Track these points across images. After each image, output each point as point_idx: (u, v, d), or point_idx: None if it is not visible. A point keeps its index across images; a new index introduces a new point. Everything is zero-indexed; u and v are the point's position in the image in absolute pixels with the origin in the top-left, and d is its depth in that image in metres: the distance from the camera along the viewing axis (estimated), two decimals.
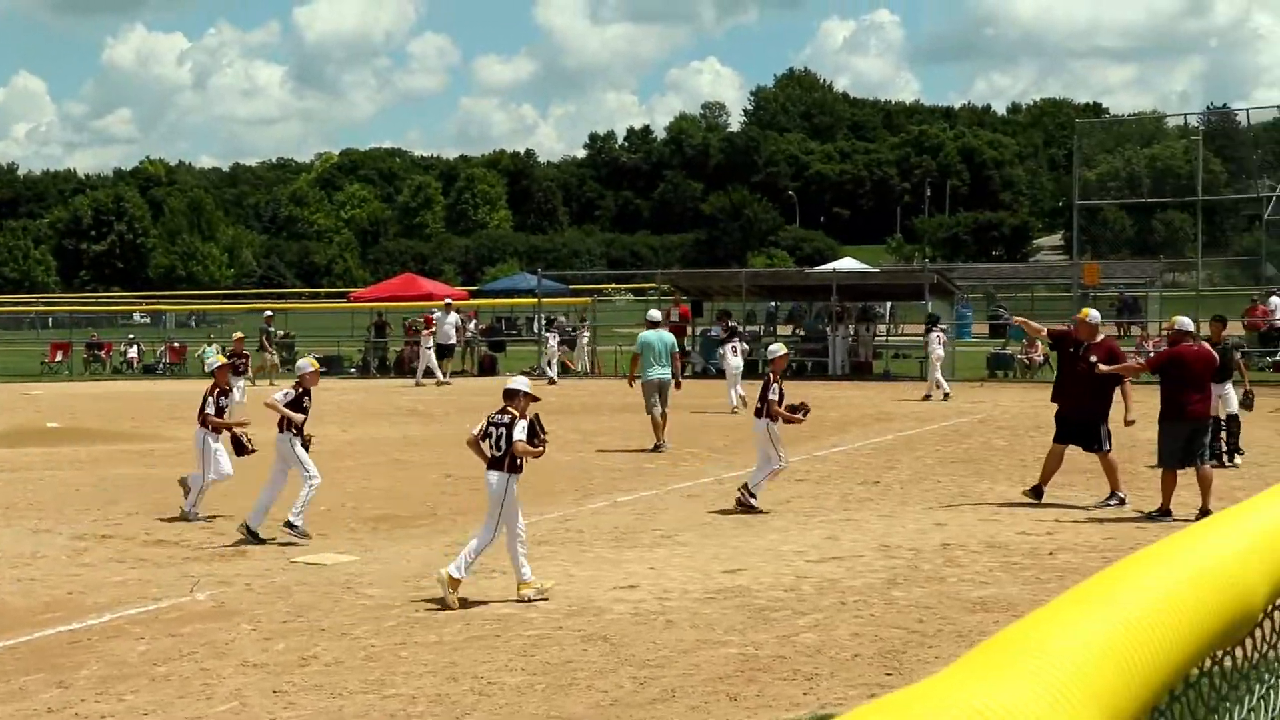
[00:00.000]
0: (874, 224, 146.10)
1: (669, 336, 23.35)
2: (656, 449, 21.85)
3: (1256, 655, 1.73)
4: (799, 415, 16.45)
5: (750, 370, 39.47)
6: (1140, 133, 77.96)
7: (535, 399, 12.01)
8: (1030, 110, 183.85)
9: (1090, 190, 50.86)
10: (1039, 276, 77.30)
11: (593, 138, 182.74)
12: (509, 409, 11.72)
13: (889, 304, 50.19)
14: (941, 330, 33.02)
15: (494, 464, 11.58)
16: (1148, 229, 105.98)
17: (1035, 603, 1.29)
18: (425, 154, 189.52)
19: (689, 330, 41.74)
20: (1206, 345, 16.87)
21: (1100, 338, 16.85)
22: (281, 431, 14.76)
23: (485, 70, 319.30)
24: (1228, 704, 1.66)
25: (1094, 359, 16.26)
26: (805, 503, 16.51)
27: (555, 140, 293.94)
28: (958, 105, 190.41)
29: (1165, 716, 1.38)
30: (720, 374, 38.75)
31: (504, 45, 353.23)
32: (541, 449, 11.76)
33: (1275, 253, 57.56)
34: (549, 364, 39.34)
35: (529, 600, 11.36)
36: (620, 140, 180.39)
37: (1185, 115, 58.84)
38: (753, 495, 15.90)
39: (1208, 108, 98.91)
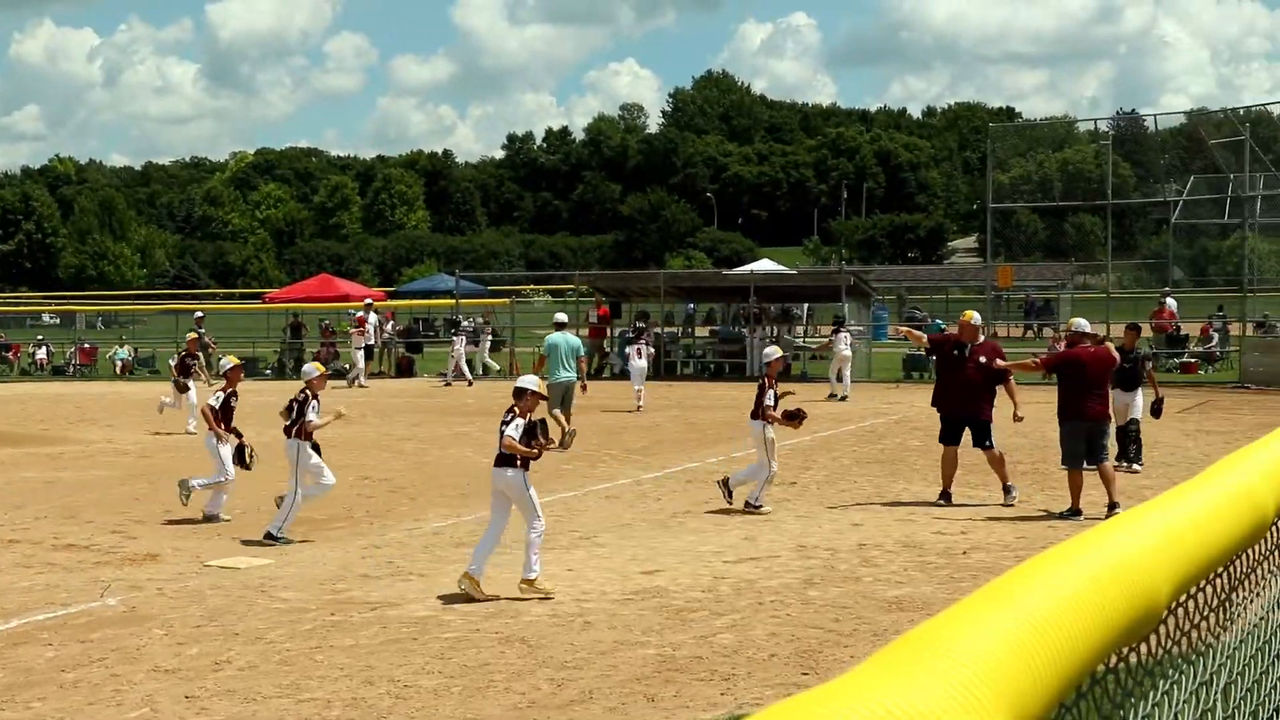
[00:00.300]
0: (791, 226, 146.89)
1: (574, 340, 23.78)
2: (564, 445, 22.02)
3: (1161, 651, 1.77)
4: (795, 421, 16.45)
5: (670, 371, 39.59)
6: (1052, 137, 79.06)
7: (544, 397, 12.34)
8: (945, 114, 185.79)
9: (1003, 193, 51.47)
10: (953, 278, 78.14)
11: (511, 139, 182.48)
12: (514, 407, 11.94)
13: (806, 305, 50.46)
14: (848, 331, 33.34)
15: (502, 460, 11.76)
16: (1059, 232, 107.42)
17: (949, 602, 1.31)
18: (342, 154, 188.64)
19: (609, 331, 41.75)
20: (1107, 346, 17.14)
21: (981, 339, 17.13)
22: (289, 436, 14.81)
23: (403, 70, 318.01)
24: (1132, 700, 1.69)
25: (982, 359, 16.55)
26: (723, 503, 16.57)
27: (473, 141, 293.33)
28: (874, 108, 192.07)
29: (1072, 713, 1.40)
30: None
31: (422, 45, 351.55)
32: (536, 451, 11.87)
33: (1182, 256, 58.55)
34: (455, 366, 39.25)
35: (532, 591, 11.50)
36: (539, 141, 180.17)
37: (1095, 120, 59.75)
38: (757, 505, 15.98)
39: (1117, 113, 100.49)
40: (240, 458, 15.90)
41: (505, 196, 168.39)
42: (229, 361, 17.30)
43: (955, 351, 16.93)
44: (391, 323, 45.61)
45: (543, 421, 12.02)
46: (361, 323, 39.57)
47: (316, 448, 14.82)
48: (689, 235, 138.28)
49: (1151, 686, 1.79)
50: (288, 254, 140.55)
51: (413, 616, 10.90)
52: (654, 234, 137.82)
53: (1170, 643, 1.82)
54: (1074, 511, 15.30)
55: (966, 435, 16.53)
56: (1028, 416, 17.43)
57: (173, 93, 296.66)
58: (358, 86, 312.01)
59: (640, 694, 8.79)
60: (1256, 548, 2.40)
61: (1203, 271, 67.82)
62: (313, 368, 15.52)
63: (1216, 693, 2.20)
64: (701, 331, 47.60)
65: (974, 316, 17.32)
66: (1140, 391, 19.54)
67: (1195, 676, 2.06)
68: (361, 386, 37.13)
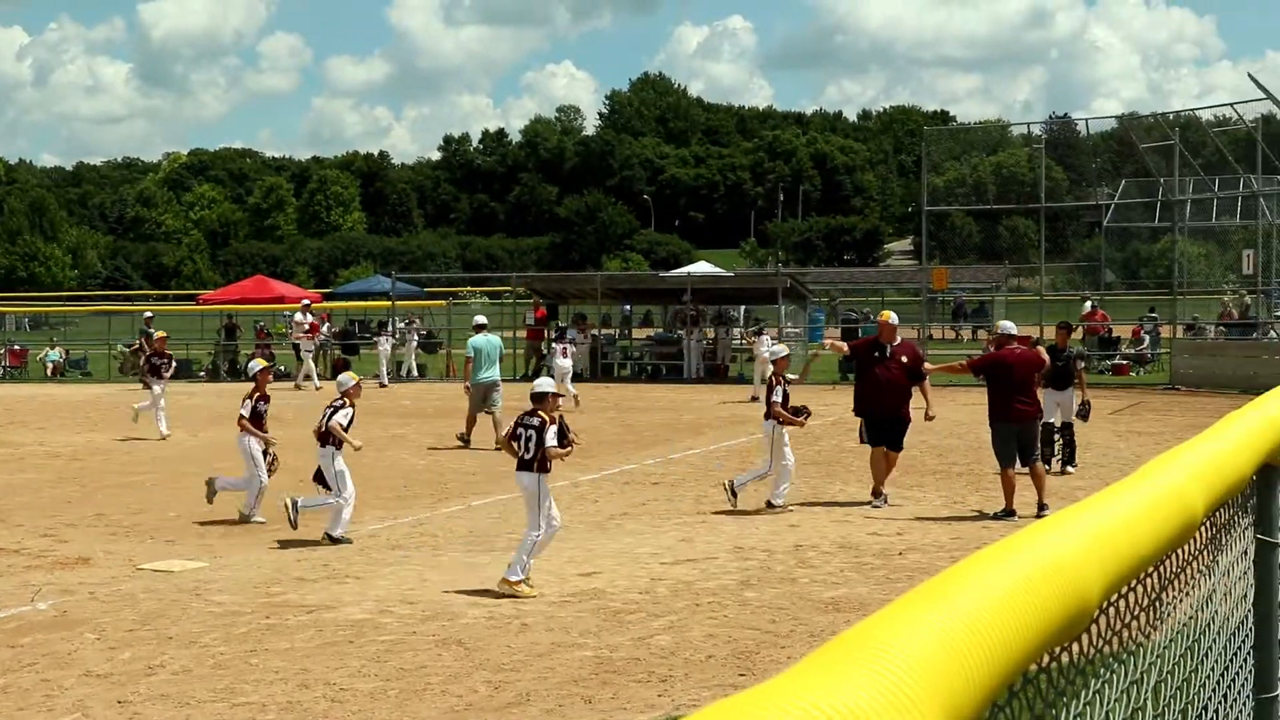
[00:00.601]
0: (728, 228, 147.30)
1: (496, 340, 24.47)
2: (464, 442, 22.86)
3: (1092, 650, 1.79)
4: (800, 419, 16.46)
5: (608, 373, 39.59)
6: (986, 141, 79.75)
7: (561, 396, 12.53)
8: (880, 117, 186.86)
9: (938, 196, 51.90)
10: (889, 281, 78.64)
11: (447, 140, 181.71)
12: (538, 411, 12.02)
13: (743, 307, 50.62)
14: (769, 334, 33.62)
15: (524, 465, 11.88)
16: (993, 235, 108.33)
17: (885, 602, 1.32)
18: (277, 155, 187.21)
19: (546, 333, 41.70)
20: (1038, 350, 17.32)
21: (900, 339, 17.25)
22: (324, 446, 14.66)
23: (338, 71, 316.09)
24: (1064, 699, 1.71)
25: (904, 358, 16.73)
26: (660, 505, 16.60)
27: (409, 142, 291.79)
28: (809, 111, 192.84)
29: (1005, 712, 1.42)
30: (575, 376, 38.76)
31: (357, 46, 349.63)
32: (570, 450, 12.24)
33: (1114, 259, 59.20)
34: (383, 368, 39.20)
35: (509, 595, 11.50)
36: (475, 143, 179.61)
37: (1028, 124, 60.37)
38: (774, 505, 16.07)
39: (1050, 117, 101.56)
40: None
41: (441, 198, 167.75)
42: (257, 364, 17.06)
43: (876, 353, 17.04)
44: (327, 324, 45.33)
45: (561, 418, 12.25)
46: (315, 329, 39.50)
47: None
48: (626, 237, 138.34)
49: (1083, 685, 1.82)
50: (222, 255, 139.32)
51: (349, 619, 10.84)
52: (591, 236, 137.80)
53: (1102, 642, 1.85)
54: (1007, 512, 15.43)
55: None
56: (965, 419, 17.56)
57: (104, 92, 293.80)
58: (292, 87, 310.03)
59: (578, 696, 8.79)
60: (1186, 548, 2.43)
61: (1134, 274, 68.62)
62: (349, 377, 15.43)
63: (1147, 691, 2.23)
64: (640, 333, 47.65)
65: (891, 316, 17.45)
66: (1072, 391, 19.71)
67: (1126, 675, 2.09)
68: (317, 389, 36.91)
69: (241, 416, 16.22)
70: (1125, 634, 2.00)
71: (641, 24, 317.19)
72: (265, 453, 16.12)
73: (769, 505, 16.13)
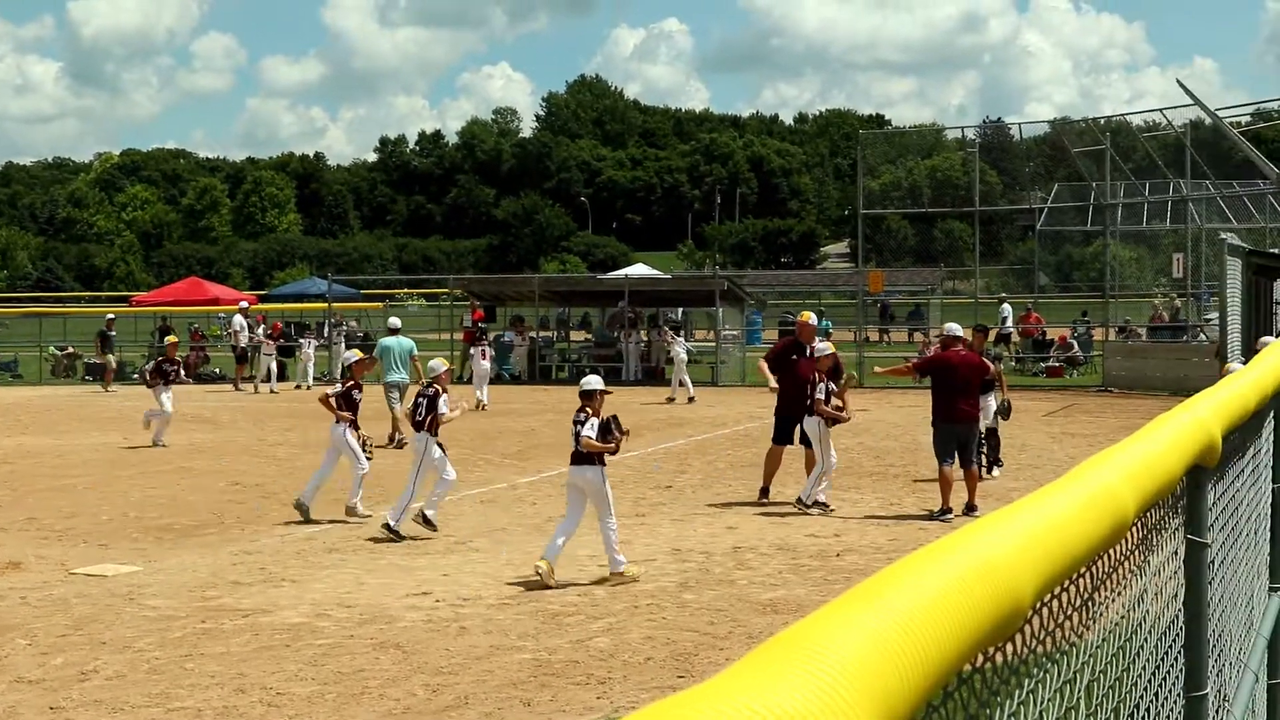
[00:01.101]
0: (665, 230, 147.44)
1: (407, 342, 25.06)
2: (399, 445, 22.84)
3: (1025, 651, 1.81)
4: (845, 415, 16.48)
5: (545, 375, 39.51)
6: (921, 144, 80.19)
7: (608, 392, 12.95)
8: (816, 120, 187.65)
9: (874, 199, 52.13)
10: (826, 283, 79.01)
11: (384, 141, 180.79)
12: (586, 408, 12.52)
13: (680, 310, 50.68)
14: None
15: (583, 460, 12.32)
16: (929, 238, 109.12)
17: (823, 604, 1.33)
18: (211, 155, 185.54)
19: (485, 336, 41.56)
20: (984, 360, 17.45)
21: (818, 340, 17.26)
22: (419, 430, 14.86)
23: (272, 71, 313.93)
24: (998, 698, 1.73)
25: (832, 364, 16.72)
26: None
27: (345, 144, 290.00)
28: (746, 114, 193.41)
29: (939, 712, 1.43)
30: (514, 379, 38.71)
31: (292, 46, 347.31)
32: (614, 445, 12.51)
33: (1048, 262, 59.76)
34: (306, 370, 39.09)
35: (623, 581, 12.08)
36: (412, 144, 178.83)
37: (963, 128, 60.81)
38: (816, 502, 15.97)
39: (983, 121, 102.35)
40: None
41: (378, 200, 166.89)
42: (353, 355, 16.93)
43: (794, 355, 17.06)
44: (263, 327, 44.98)
45: (614, 417, 12.59)
46: (276, 329, 39.43)
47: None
48: (563, 239, 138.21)
49: (1017, 685, 1.84)
50: (155, 257, 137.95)
51: (286, 623, 10.77)
52: (528, 238, 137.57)
53: (1035, 642, 1.87)
54: (945, 511, 15.55)
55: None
56: (902, 421, 17.67)
57: (33, 91, 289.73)
58: (226, 87, 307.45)
59: (516, 699, 8.78)
60: (1118, 548, 2.46)
61: (1067, 277, 69.35)
62: (440, 363, 15.65)
63: (1080, 690, 2.26)
64: (577, 336, 47.60)
65: (811, 317, 17.53)
66: (993, 394, 19.79)
67: (1059, 675, 2.11)
68: (273, 391, 36.83)
69: (328, 395, 16.33)
70: (1058, 634, 2.02)
71: (578, 26, 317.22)
72: (365, 442, 16.09)
73: (800, 502, 16.05)
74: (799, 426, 16.71)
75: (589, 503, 12.33)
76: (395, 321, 26.80)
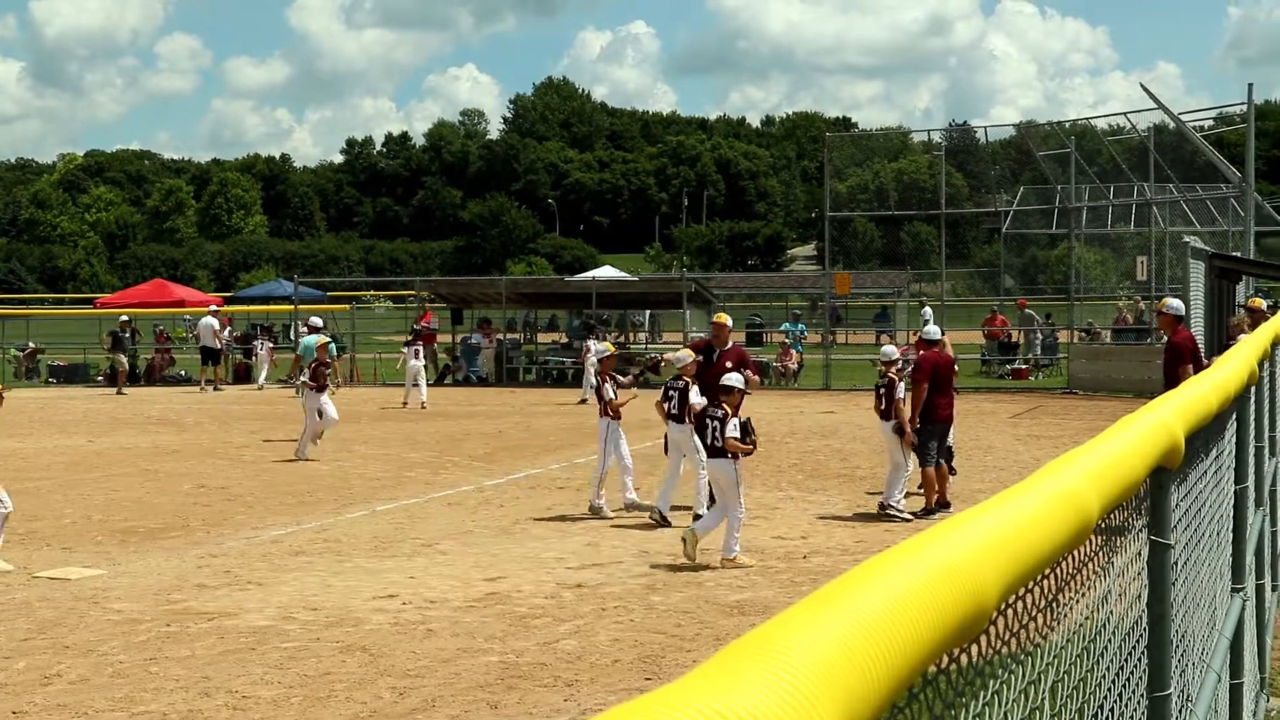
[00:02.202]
0: (633, 233, 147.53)
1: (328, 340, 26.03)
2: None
3: (990, 652, 1.82)
4: (913, 422, 16.19)
5: (513, 377, 39.47)
6: (887, 147, 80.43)
7: (747, 392, 13.66)
8: (783, 123, 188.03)
9: (841, 202, 52.29)
10: (793, 286, 79.10)
11: (350, 143, 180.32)
12: (724, 404, 13.25)
13: (648, 312, 50.71)
14: (420, 343, 34.10)
15: (716, 453, 13.13)
16: (896, 240, 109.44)
17: (789, 605, 1.33)
18: (176, 157, 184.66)
19: (436, 337, 41.50)
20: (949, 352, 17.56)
21: (731, 343, 16.83)
22: (679, 423, 15.24)
23: (238, 72, 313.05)
24: (963, 700, 1.74)
25: (729, 364, 16.01)
26: (565, 509, 16.58)
27: (311, 145, 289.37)
28: (713, 117, 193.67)
29: (904, 713, 1.44)
30: (480, 380, 38.65)
31: (257, 48, 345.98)
32: (751, 448, 13.30)
33: (1013, 265, 60.02)
34: (264, 372, 39.09)
35: (735, 566, 12.72)
36: (378, 146, 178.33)
37: (929, 131, 60.95)
38: (892, 507, 15.79)
39: (950, 124, 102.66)
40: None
41: (344, 201, 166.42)
42: (686, 355, 16.73)
43: (700, 356, 16.85)
44: (229, 329, 44.78)
45: (749, 420, 13.31)
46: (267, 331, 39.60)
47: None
48: (530, 241, 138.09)
49: (982, 686, 1.84)
50: (120, 258, 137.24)
51: (251, 626, 10.72)
52: (495, 240, 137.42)
53: (1000, 643, 1.88)
54: (942, 505, 15.75)
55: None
56: (868, 423, 17.70)
57: None
58: (191, 88, 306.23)
59: (483, 701, 8.77)
60: (1082, 549, 2.47)
61: (1033, 280, 69.67)
62: (686, 354, 15.83)
63: (1044, 691, 2.27)
64: (545, 337, 47.55)
65: (724, 318, 17.16)
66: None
67: (1024, 676, 2.12)
68: (219, 390, 36.94)
69: (612, 403, 16.30)
70: (1023, 635, 2.03)
71: (544, 28, 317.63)
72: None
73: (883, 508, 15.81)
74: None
75: (736, 485, 13.11)
76: (316, 320, 28.91)
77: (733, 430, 13.00)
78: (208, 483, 19.11)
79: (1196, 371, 14.55)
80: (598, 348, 18.35)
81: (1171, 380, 14.35)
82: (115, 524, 15.76)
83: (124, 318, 42.20)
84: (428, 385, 33.09)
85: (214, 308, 42.25)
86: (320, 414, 21.91)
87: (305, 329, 29.05)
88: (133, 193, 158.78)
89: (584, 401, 32.60)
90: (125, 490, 18.56)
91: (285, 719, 8.45)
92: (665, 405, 15.30)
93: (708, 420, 13.35)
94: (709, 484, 14.17)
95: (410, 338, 34.54)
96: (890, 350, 16.99)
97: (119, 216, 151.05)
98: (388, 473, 20.23)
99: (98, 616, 11.09)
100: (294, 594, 11.86)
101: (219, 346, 39.23)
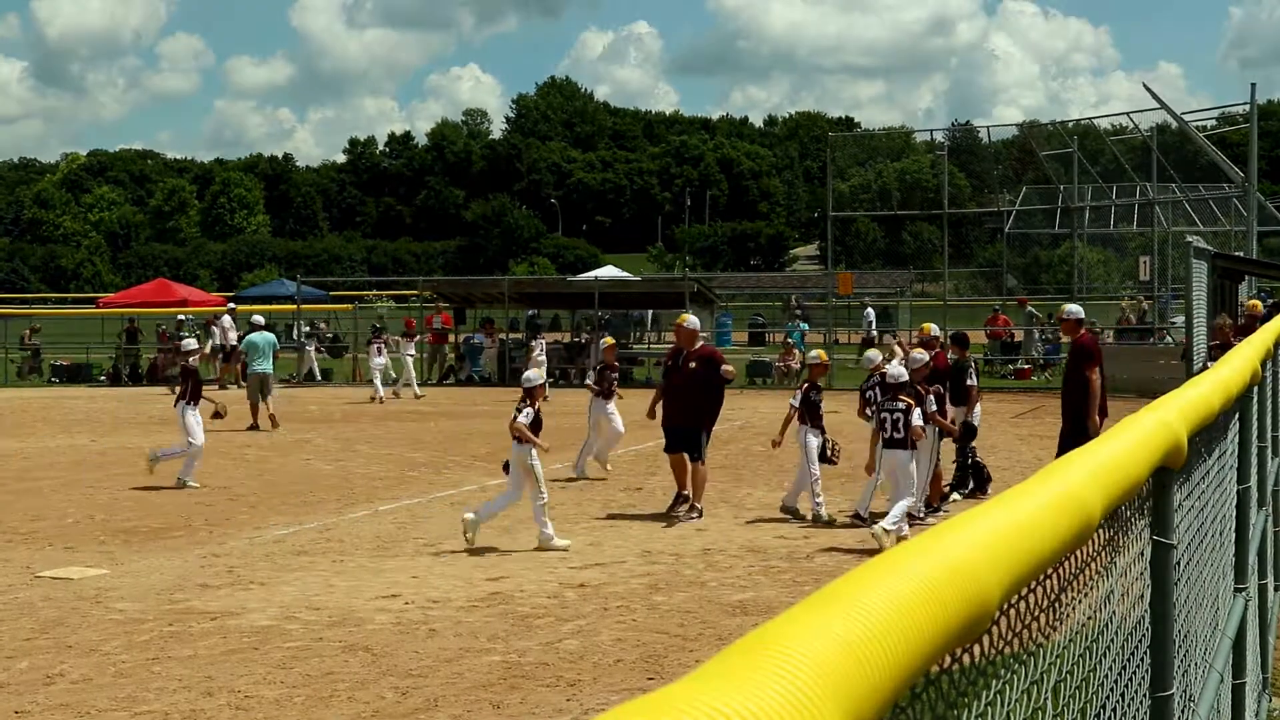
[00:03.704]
0: (635, 232, 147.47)
1: (270, 337, 28.48)
2: (253, 428, 26.11)
3: (993, 651, 1.82)
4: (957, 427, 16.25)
5: (515, 377, 39.28)
6: (890, 147, 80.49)
7: (376, 397, 13.47)
8: (786, 123, 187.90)
9: (844, 202, 52.34)
10: (795, 285, 79.09)
11: (353, 143, 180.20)
12: (900, 397, 14.03)
13: (650, 312, 50.71)
14: (381, 341, 34.78)
15: (896, 444, 13.87)
16: (898, 240, 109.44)
17: (792, 605, 1.33)
18: (178, 156, 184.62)
19: (450, 338, 41.55)
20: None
21: (699, 344, 16.44)
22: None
23: (239, 72, 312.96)
24: (966, 700, 1.74)
25: (693, 365, 16.00)
26: (568, 509, 16.58)
27: (313, 145, 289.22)
28: (716, 116, 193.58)
29: (906, 713, 1.44)
30: (484, 380, 38.68)
31: (258, 48, 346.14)
32: (923, 435, 14.21)
33: (1016, 264, 60.00)
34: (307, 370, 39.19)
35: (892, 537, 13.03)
36: (381, 146, 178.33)
37: (931, 131, 61.09)
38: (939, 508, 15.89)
39: (952, 124, 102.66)
40: (823, 454, 15.79)
41: (347, 201, 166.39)
42: (817, 355, 16.84)
43: (670, 360, 16.56)
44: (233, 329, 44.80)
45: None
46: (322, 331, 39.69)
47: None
48: (533, 241, 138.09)
49: (984, 686, 1.84)
50: (123, 258, 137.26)
51: (254, 626, 10.73)
52: (498, 240, 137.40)
53: (1002, 643, 1.88)
54: (945, 498, 16.00)
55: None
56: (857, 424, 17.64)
57: None
58: (193, 88, 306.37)
59: (486, 701, 8.77)
60: (1084, 549, 2.47)
61: (1035, 280, 69.64)
62: (817, 354, 16.32)
63: (1047, 691, 2.27)
64: (548, 338, 47.52)
65: (686, 320, 16.77)
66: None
67: (1027, 676, 2.12)
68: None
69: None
70: (1025, 635, 2.03)
71: (547, 28, 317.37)
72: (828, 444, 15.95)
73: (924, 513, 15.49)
74: (698, 438, 15.93)
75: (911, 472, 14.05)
76: (259, 319, 30.71)
77: (917, 419, 13.92)
78: (210, 482, 19.11)
79: (1102, 371, 15.08)
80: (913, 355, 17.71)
81: (1075, 382, 14.51)
82: (118, 523, 15.77)
83: (230, 304, 42.71)
84: (420, 384, 34.52)
85: (231, 305, 42.40)
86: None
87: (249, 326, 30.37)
88: (135, 192, 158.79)
89: (380, 401, 33.17)
90: (128, 490, 18.57)
91: (288, 719, 8.45)
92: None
93: (886, 413, 14.09)
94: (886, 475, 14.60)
95: (373, 334, 35.69)
96: (920, 355, 15.89)
97: (121, 216, 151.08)
98: (390, 472, 20.24)
99: (100, 616, 11.10)
100: (296, 594, 11.86)
101: (232, 346, 39.45)
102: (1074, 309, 15.94)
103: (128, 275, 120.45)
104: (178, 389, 18.82)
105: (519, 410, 14.40)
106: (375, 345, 34.46)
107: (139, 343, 44.95)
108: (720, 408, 16.43)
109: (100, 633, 10.55)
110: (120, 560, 13.58)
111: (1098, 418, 14.29)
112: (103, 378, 42.65)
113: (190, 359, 20.51)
